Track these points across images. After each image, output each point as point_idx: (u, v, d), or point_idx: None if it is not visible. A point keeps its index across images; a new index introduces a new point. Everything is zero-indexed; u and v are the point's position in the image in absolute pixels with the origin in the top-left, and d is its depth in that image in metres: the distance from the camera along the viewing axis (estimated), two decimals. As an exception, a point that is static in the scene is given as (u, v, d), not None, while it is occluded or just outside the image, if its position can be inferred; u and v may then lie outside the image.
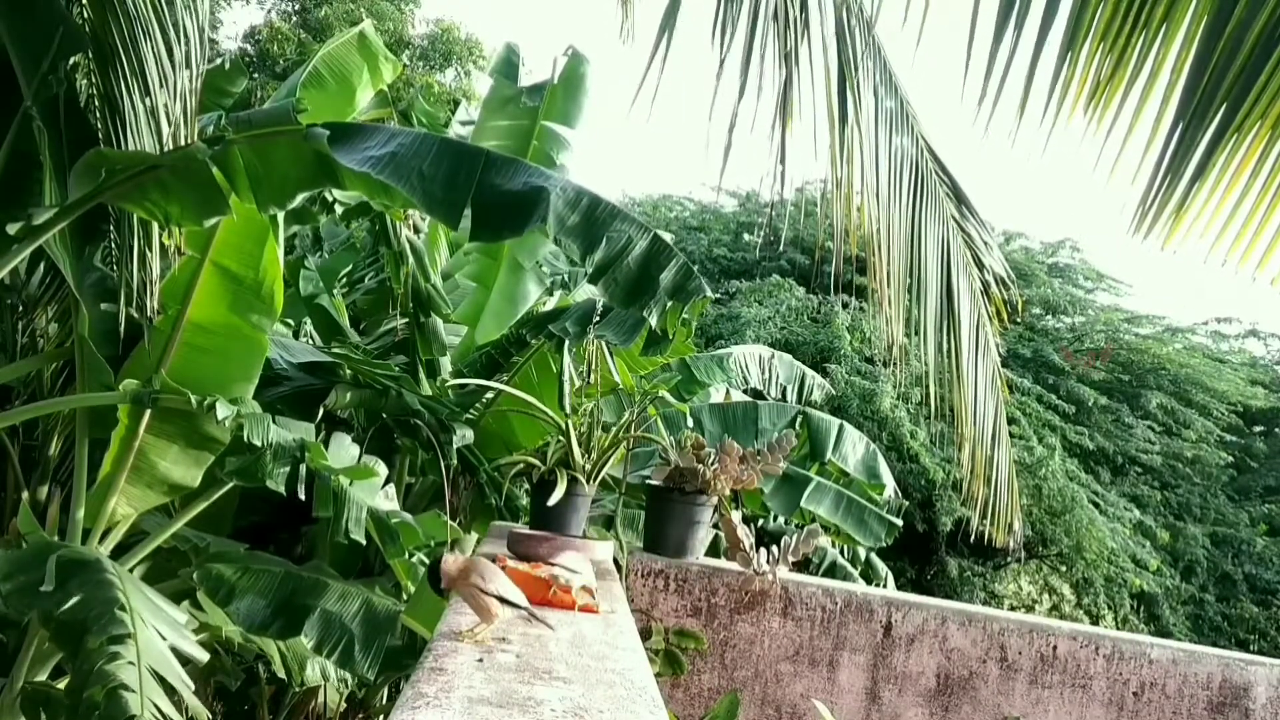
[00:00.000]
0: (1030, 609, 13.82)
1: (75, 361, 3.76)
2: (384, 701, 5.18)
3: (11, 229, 3.30)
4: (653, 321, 3.17)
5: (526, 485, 3.69)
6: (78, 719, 2.60)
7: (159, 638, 2.95)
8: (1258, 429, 14.71)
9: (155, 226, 3.59)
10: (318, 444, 3.56)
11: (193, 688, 2.98)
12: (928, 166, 3.45)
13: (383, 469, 3.85)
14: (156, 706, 2.65)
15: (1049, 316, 14.01)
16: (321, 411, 4.32)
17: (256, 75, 14.12)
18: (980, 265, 3.67)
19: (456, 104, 7.74)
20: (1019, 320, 12.66)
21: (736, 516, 3.48)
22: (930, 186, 3.45)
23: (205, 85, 4.06)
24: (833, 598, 3.43)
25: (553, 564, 2.32)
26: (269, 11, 16.66)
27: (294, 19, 16.31)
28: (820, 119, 2.84)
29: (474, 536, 4.72)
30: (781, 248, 13.41)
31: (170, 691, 2.82)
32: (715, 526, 3.60)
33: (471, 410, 4.90)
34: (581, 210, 3.09)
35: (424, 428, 4.30)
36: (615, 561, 3.26)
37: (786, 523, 5.80)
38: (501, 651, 1.74)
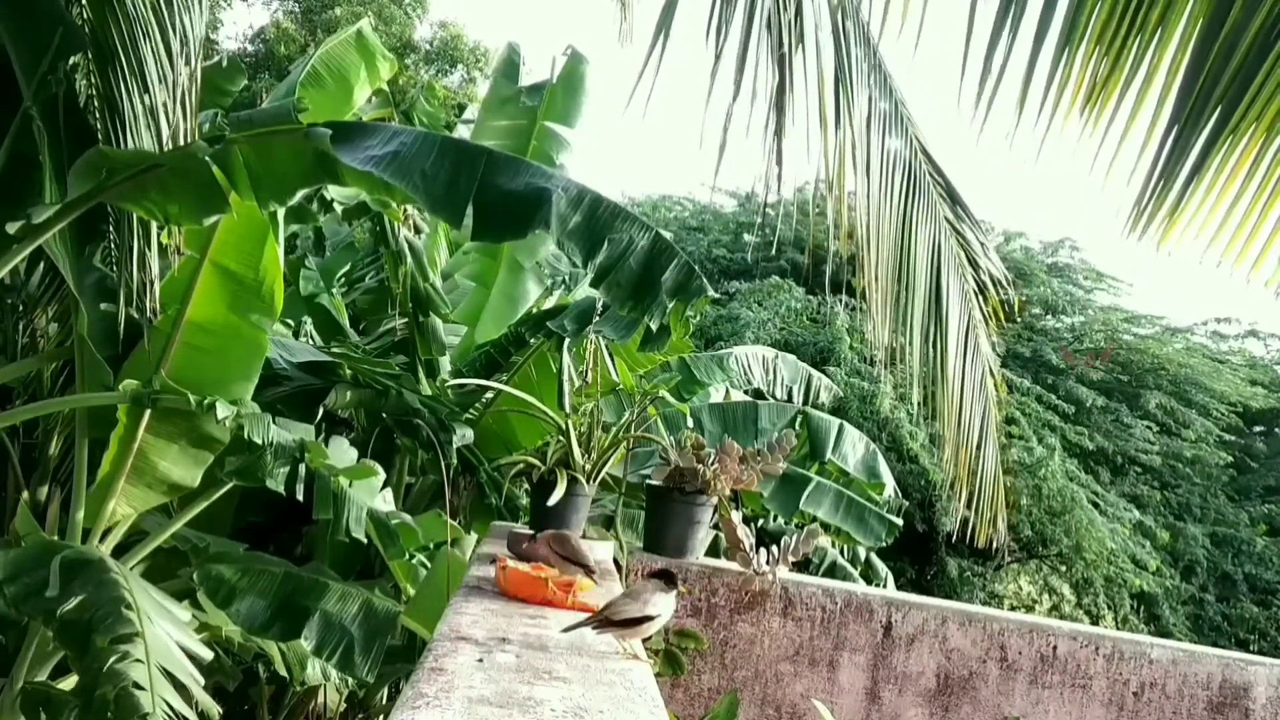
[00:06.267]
0: (1030, 609, 13.81)
1: (75, 361, 3.77)
2: (384, 701, 5.19)
3: (11, 229, 3.30)
4: (654, 325, 3.17)
5: (526, 485, 3.69)
6: (90, 718, 2.61)
7: (166, 636, 2.96)
8: (1258, 429, 14.71)
9: (155, 226, 3.59)
10: (318, 444, 3.56)
11: (202, 683, 2.99)
12: (921, 169, 3.44)
13: (381, 472, 3.85)
14: (167, 703, 2.66)
15: (1048, 316, 13.99)
16: (321, 411, 4.33)
17: (263, 76, 14.09)
18: (975, 267, 3.67)
19: (462, 109, 7.73)
20: (1018, 320, 12.63)
21: (736, 516, 3.47)
22: (923, 188, 3.44)
23: (204, 84, 4.06)
24: (833, 598, 3.43)
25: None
26: (274, 12, 16.63)
27: (299, 20, 16.27)
28: (814, 121, 2.84)
29: (474, 536, 4.73)
30: (780, 249, 13.38)
31: (178, 688, 2.83)
32: (715, 527, 3.60)
33: (471, 410, 4.90)
34: (584, 211, 3.08)
35: (424, 427, 4.30)
36: (615, 561, 3.26)
37: (786, 523, 5.80)
38: (501, 651, 1.75)
